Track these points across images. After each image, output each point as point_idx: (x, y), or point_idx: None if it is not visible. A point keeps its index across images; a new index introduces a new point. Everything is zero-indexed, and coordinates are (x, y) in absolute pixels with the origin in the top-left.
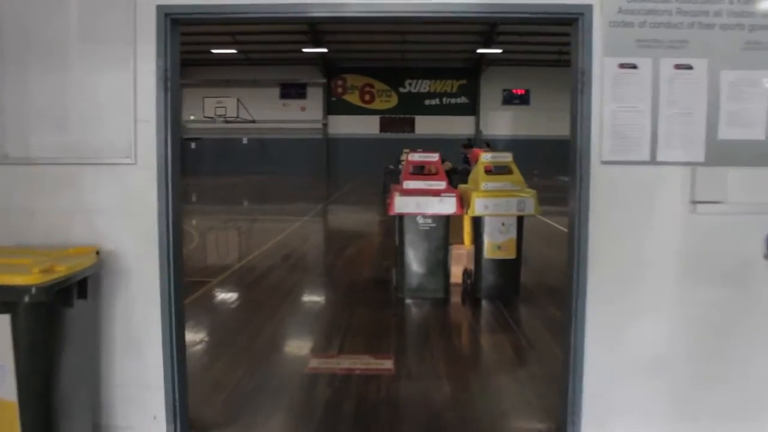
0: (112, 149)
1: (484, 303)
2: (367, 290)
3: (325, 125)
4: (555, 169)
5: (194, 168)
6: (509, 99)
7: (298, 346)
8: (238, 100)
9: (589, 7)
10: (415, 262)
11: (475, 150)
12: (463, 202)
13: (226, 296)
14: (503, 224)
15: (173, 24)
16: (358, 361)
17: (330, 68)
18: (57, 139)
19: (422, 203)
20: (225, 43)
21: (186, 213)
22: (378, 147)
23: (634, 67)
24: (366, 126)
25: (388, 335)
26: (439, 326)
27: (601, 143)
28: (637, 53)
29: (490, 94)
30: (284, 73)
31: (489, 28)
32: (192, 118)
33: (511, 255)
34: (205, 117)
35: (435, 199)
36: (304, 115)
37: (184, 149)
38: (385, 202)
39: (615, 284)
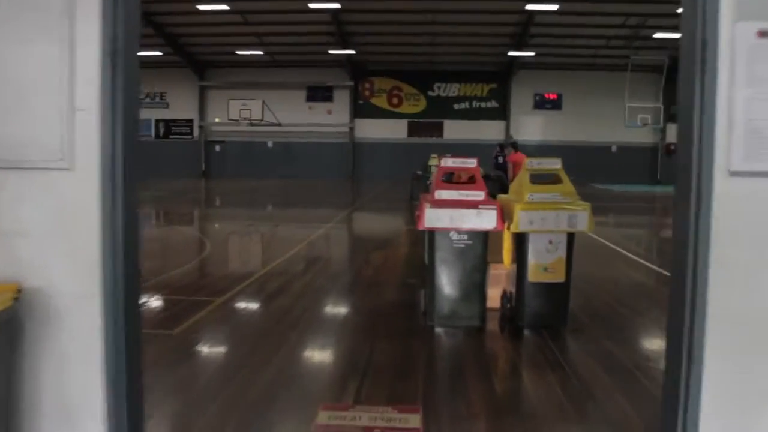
0: (40, 148)
1: (527, 333)
2: (392, 316)
3: (351, 129)
4: (588, 175)
5: (218, 171)
6: (541, 103)
7: (304, 394)
8: (263, 102)
9: None
10: (447, 285)
11: (518, 154)
12: (504, 216)
13: (227, 322)
14: (551, 242)
15: None
16: (378, 415)
17: (357, 71)
18: None
19: (457, 217)
20: (250, 44)
21: (204, 217)
22: (405, 151)
23: None
24: (393, 130)
25: (415, 377)
26: (476, 364)
27: (728, 146)
28: None
29: (521, 98)
30: (311, 76)
31: (521, 29)
32: (217, 120)
33: (559, 278)
34: (229, 119)
35: (472, 212)
36: (330, 119)
37: (208, 151)
38: (412, 209)
39: (749, 345)
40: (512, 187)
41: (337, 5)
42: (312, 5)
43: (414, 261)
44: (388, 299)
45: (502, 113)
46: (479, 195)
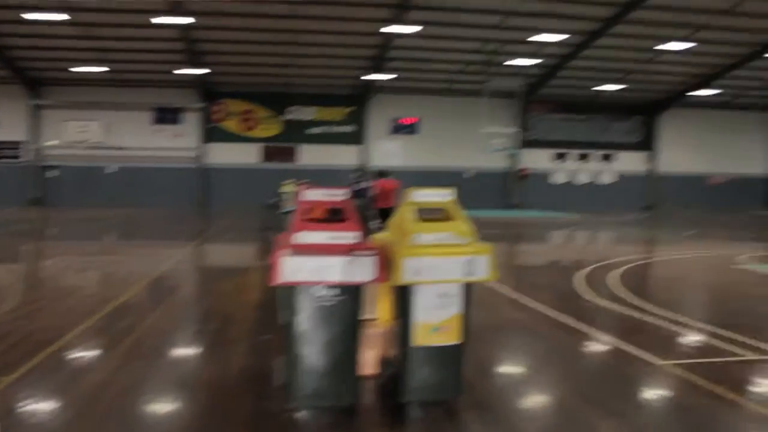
0: None
1: (414, 412)
2: (241, 394)
3: (201, 154)
4: None
5: (54, 199)
6: (398, 128)
7: None
8: (103, 124)
9: None
10: (311, 354)
11: (388, 181)
12: (384, 263)
13: (6, 422)
14: (443, 296)
15: None
16: None
17: (208, 92)
18: None
19: (324, 267)
20: (91, 61)
21: (23, 255)
22: (259, 178)
23: None
24: (246, 155)
25: None
26: None
27: None
28: None
29: (378, 122)
30: (158, 96)
31: (379, 52)
32: (50, 143)
33: (452, 339)
34: (66, 142)
35: (343, 261)
36: (178, 143)
37: (42, 177)
38: (264, 241)
39: None
40: (392, 225)
41: (186, 20)
42: (157, 20)
43: (268, 308)
44: (237, 367)
45: (358, 138)
46: (353, 237)
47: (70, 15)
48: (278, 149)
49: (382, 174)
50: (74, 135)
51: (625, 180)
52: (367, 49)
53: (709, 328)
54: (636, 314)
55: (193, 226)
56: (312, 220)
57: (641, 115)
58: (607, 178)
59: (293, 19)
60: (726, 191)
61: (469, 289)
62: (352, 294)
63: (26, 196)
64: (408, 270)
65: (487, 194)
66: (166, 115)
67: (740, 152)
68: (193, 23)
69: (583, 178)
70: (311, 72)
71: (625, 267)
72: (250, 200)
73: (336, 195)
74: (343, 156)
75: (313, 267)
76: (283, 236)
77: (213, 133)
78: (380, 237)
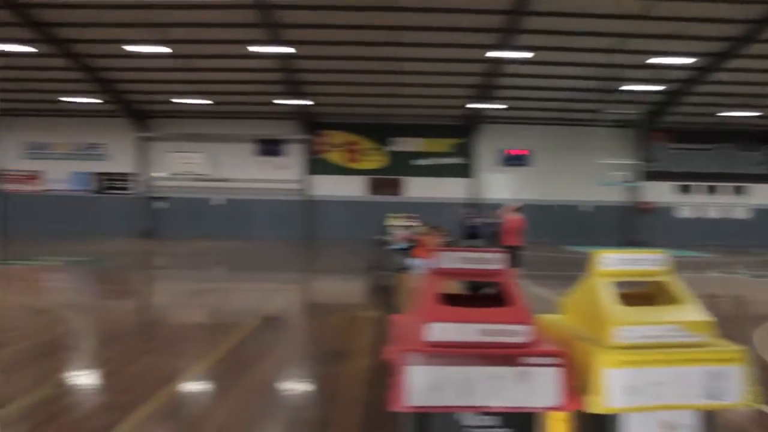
0: None
1: None
2: None
3: (305, 186)
4: (565, 237)
5: (162, 230)
6: (507, 160)
7: None
8: (208, 156)
9: None
10: None
11: (515, 218)
12: (571, 378)
13: None
14: (669, 430)
15: None
16: None
17: (311, 123)
18: None
19: (477, 384)
20: (192, 93)
21: (104, 293)
22: (364, 210)
23: None
24: (350, 187)
25: None
26: None
27: None
28: None
29: (486, 154)
30: (261, 128)
31: (486, 80)
32: (155, 174)
33: None
34: (171, 174)
35: (508, 373)
36: (282, 174)
37: (149, 209)
38: (374, 283)
39: None
40: (572, 305)
41: (286, 50)
42: (255, 49)
43: (382, 384)
44: None
45: (466, 170)
46: (520, 331)
47: (170, 48)
48: (384, 181)
49: (518, 210)
50: (179, 167)
51: (763, 214)
52: (474, 77)
53: None
54: None
55: (296, 261)
56: (447, 299)
57: None
58: (739, 213)
59: (395, 47)
60: None
61: (712, 421)
62: (520, 425)
63: (136, 228)
64: (617, 388)
65: (604, 230)
66: (269, 147)
67: None
68: (293, 53)
69: (712, 213)
70: (415, 102)
71: None
72: (357, 233)
73: (486, 261)
74: (451, 189)
75: (459, 384)
76: (405, 321)
77: (316, 165)
78: (553, 322)
